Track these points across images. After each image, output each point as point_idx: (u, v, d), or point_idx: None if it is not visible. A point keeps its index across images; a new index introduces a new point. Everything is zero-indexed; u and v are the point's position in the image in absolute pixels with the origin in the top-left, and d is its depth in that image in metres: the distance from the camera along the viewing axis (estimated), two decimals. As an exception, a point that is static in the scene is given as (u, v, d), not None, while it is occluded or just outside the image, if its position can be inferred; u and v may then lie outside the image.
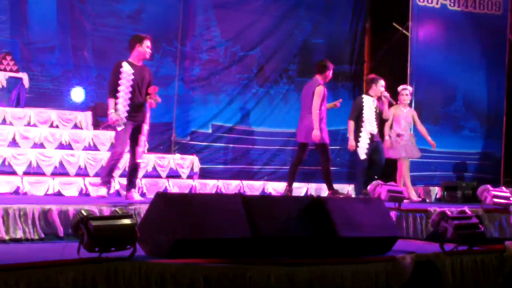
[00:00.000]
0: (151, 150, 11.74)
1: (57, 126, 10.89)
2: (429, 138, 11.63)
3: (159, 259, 5.05)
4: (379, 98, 10.90)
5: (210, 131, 13.14)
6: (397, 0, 14.48)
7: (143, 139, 8.76)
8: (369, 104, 10.80)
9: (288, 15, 14.10)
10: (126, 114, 8.51)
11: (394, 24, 14.87)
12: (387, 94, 10.87)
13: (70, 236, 6.39)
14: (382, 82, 10.87)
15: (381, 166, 10.91)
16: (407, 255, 5.92)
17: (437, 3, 14.16)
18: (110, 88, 8.60)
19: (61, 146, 10.47)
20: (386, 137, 11.35)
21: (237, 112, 13.49)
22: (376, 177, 10.73)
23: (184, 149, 12.63)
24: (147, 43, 8.69)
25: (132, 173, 8.79)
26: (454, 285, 6.20)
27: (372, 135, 10.71)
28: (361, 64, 14.91)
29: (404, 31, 14.59)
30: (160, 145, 12.49)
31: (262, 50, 13.83)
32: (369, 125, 10.70)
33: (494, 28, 14.53)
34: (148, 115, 8.78)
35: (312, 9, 14.35)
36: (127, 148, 8.76)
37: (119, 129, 8.52)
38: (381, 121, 10.95)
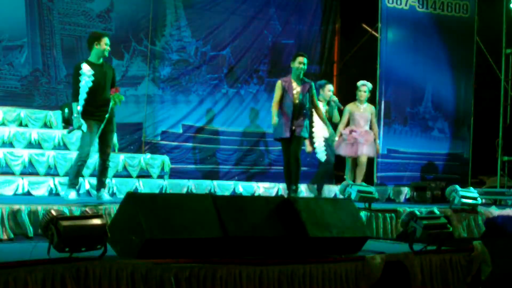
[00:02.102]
0: (121, 150, 11.70)
1: (26, 125, 10.81)
2: (377, 142, 11.62)
3: (129, 259, 5.04)
4: (328, 103, 10.99)
5: (180, 131, 13.13)
6: (367, 1, 14.56)
7: (112, 137, 8.78)
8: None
9: (258, 15, 14.13)
10: (89, 115, 8.47)
11: (364, 25, 14.95)
12: (335, 98, 10.91)
13: (39, 236, 6.34)
14: (329, 87, 10.96)
15: (330, 166, 10.98)
16: (377, 255, 5.95)
17: (406, 5, 14.26)
18: (73, 92, 8.60)
19: (30, 146, 10.39)
20: (338, 135, 11.31)
21: (208, 112, 13.49)
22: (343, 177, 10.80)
23: (155, 149, 12.61)
24: (106, 40, 8.65)
25: (101, 172, 8.77)
26: (422, 284, 6.24)
27: (325, 138, 10.77)
28: (331, 64, 14.98)
29: (373, 32, 14.68)
30: (131, 145, 12.46)
31: (232, 50, 13.84)
32: (321, 130, 10.78)
33: (462, 30, 14.67)
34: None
35: (282, 9, 14.40)
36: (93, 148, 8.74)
37: (84, 131, 8.50)
38: (331, 125, 10.95)
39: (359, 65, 14.92)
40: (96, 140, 8.73)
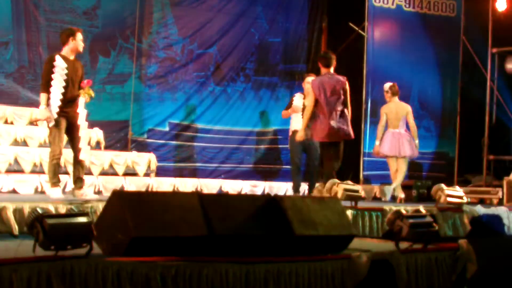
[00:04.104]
0: (107, 147, 11.67)
1: (11, 123, 10.76)
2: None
3: (115, 257, 5.02)
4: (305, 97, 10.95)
5: (167, 129, 13.13)
6: (354, 0, 14.58)
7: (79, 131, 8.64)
8: (297, 102, 10.91)
9: (245, 13, 14.13)
10: (58, 110, 8.36)
11: (351, 24, 14.97)
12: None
13: (25, 234, 6.31)
14: (308, 79, 10.89)
15: (314, 166, 10.93)
16: (362, 254, 5.96)
17: (392, 4, 14.29)
18: (43, 82, 8.45)
19: (15, 143, 10.35)
20: (417, 141, 11.49)
21: (194, 110, 13.49)
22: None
23: (141, 147, 12.59)
24: (80, 36, 8.56)
25: (76, 170, 8.62)
26: (408, 283, 6.26)
27: (294, 132, 10.75)
28: (318, 63, 14.95)
29: (360, 31, 14.70)
30: (117, 142, 12.43)
31: (219, 48, 13.84)
32: (295, 123, 10.81)
33: (448, 29, 14.72)
34: (85, 112, 8.66)
35: (269, 7, 14.41)
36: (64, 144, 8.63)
37: (50, 125, 8.39)
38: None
39: (346, 63, 14.89)
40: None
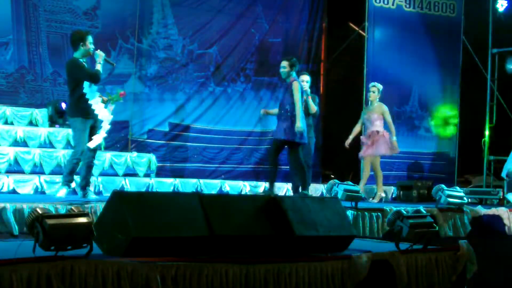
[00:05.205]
0: (107, 148, 11.66)
1: (11, 123, 10.76)
2: (393, 139, 11.65)
3: (115, 257, 5.02)
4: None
5: (167, 129, 13.12)
6: (354, 0, 14.58)
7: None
8: None
9: (245, 14, 14.13)
10: (83, 112, 8.42)
11: (351, 24, 14.97)
12: (308, 90, 10.80)
13: (25, 234, 6.31)
14: (302, 77, 10.85)
15: (308, 165, 10.90)
16: (363, 254, 5.96)
17: (393, 4, 14.30)
18: (89, 75, 8.48)
19: (15, 143, 10.34)
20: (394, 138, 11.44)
21: (194, 111, 13.47)
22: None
23: (141, 147, 12.58)
24: (90, 39, 8.59)
25: (88, 170, 8.67)
26: (408, 283, 6.26)
27: None
28: (318, 63, 14.98)
29: (360, 31, 14.70)
30: (117, 143, 12.42)
31: (219, 49, 13.84)
32: None
33: (448, 29, 14.74)
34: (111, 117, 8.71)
35: (269, 8, 14.41)
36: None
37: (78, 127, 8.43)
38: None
39: (346, 64, 14.95)
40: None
